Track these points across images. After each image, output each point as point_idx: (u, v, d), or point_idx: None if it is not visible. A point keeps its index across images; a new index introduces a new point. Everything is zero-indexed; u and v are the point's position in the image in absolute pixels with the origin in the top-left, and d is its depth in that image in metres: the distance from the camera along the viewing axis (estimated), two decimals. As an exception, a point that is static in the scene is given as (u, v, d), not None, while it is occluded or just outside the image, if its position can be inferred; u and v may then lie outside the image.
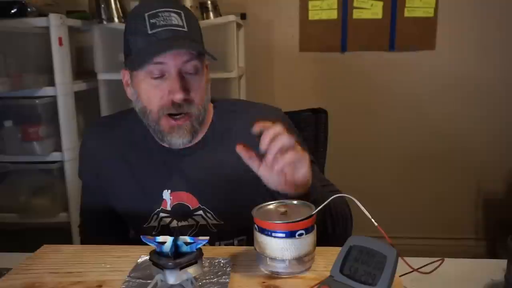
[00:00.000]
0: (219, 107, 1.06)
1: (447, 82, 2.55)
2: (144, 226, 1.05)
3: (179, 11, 0.93)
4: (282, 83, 2.65)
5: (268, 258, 0.72)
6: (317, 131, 1.42)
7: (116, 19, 2.01)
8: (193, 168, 1.01)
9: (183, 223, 1.03)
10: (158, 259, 0.66)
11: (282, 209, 0.74)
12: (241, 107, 1.09)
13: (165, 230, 1.04)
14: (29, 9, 1.74)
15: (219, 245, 1.05)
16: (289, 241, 0.70)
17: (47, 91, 1.80)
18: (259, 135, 0.77)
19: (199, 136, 1.01)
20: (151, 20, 0.90)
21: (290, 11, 2.55)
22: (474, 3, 2.47)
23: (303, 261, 0.72)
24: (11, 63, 1.69)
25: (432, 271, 0.69)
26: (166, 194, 1.02)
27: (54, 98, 1.81)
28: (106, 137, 1.07)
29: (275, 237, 0.70)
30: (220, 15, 2.23)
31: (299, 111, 1.42)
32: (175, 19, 0.91)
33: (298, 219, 0.70)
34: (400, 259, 0.62)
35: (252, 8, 2.55)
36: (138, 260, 0.78)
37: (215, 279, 0.71)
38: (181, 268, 0.65)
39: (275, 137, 0.76)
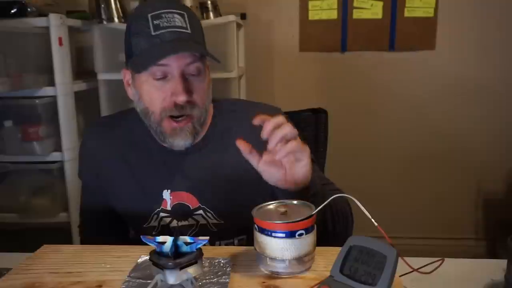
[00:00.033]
0: (219, 107, 1.06)
1: (447, 82, 2.55)
2: (144, 226, 1.05)
3: (182, 12, 0.93)
4: (282, 83, 2.65)
5: (268, 258, 0.72)
6: (317, 131, 1.42)
7: (116, 19, 2.01)
8: (193, 168, 1.01)
9: (183, 222, 1.03)
10: (158, 259, 0.66)
11: (282, 209, 0.74)
12: (241, 107, 1.09)
13: (165, 230, 1.04)
14: (29, 9, 1.74)
15: (220, 244, 1.05)
16: (289, 241, 0.70)
17: (47, 91, 1.80)
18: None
19: (200, 136, 1.01)
20: (154, 21, 0.90)
21: (290, 11, 2.55)
22: (474, 3, 2.47)
23: (303, 261, 0.72)
24: (11, 63, 1.69)
25: (432, 271, 0.69)
26: (166, 194, 1.02)
27: (54, 98, 1.81)
28: (106, 137, 1.07)
29: (275, 237, 0.70)
30: (220, 15, 2.23)
31: (299, 111, 1.42)
32: (178, 20, 0.91)
33: (298, 219, 0.70)
34: (400, 259, 0.62)
35: (252, 8, 2.55)
36: (138, 260, 0.78)
37: (215, 279, 0.71)
38: (181, 268, 0.65)
39: (277, 126, 0.77)
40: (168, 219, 1.03)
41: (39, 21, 1.74)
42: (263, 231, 0.72)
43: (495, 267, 0.88)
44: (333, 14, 2.52)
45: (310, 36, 2.57)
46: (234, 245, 1.05)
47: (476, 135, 2.58)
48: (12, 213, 1.92)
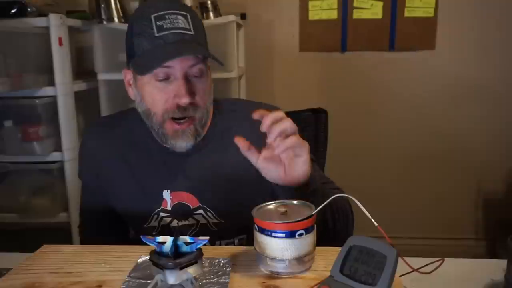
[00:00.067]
0: (219, 107, 1.06)
1: (447, 82, 2.55)
2: (145, 226, 1.05)
3: (185, 13, 0.92)
4: (282, 83, 2.65)
5: (268, 258, 0.72)
6: (317, 131, 1.42)
7: (116, 19, 2.01)
8: (193, 168, 1.01)
9: (184, 222, 1.03)
10: (158, 259, 0.66)
11: (282, 209, 0.74)
12: (241, 107, 1.09)
13: (166, 230, 1.04)
14: (29, 9, 1.74)
15: (220, 244, 1.05)
16: (289, 241, 0.70)
17: (47, 91, 1.80)
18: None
19: (200, 136, 1.01)
20: (157, 23, 0.90)
21: (290, 11, 2.55)
22: (474, 3, 2.47)
23: (303, 261, 0.72)
24: (11, 63, 1.69)
25: (432, 271, 0.69)
26: (166, 194, 1.02)
27: (54, 98, 1.81)
28: (106, 137, 1.07)
29: (275, 237, 0.70)
30: (220, 15, 2.23)
31: (299, 111, 1.42)
32: (181, 22, 0.91)
33: (298, 219, 0.70)
34: (400, 259, 0.62)
35: (252, 8, 2.55)
36: (138, 260, 0.78)
37: (215, 279, 0.71)
38: (181, 268, 0.65)
39: (277, 120, 0.77)
40: (168, 219, 1.03)
41: (39, 21, 1.74)
42: (263, 231, 0.72)
43: (495, 267, 0.88)
44: (333, 14, 2.52)
45: (310, 36, 2.57)
46: (234, 244, 1.05)
47: (476, 135, 2.58)
48: (12, 213, 1.92)
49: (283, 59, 2.62)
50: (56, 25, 1.74)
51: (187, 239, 0.68)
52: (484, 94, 2.54)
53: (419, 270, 0.67)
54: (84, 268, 0.77)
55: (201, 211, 1.02)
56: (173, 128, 0.95)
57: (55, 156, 1.86)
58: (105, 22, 1.99)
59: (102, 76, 1.97)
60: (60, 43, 1.76)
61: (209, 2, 2.21)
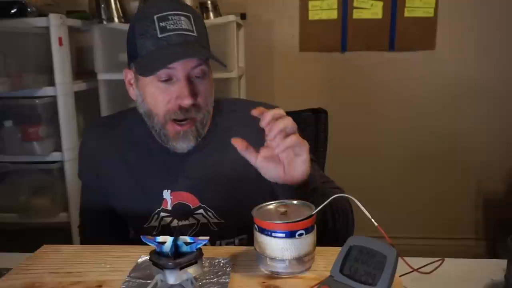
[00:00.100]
0: (219, 106, 1.06)
1: (447, 82, 2.55)
2: (145, 226, 1.05)
3: (188, 14, 0.92)
4: (282, 83, 2.65)
5: (268, 258, 0.72)
6: (317, 131, 1.42)
7: (116, 19, 2.01)
8: (194, 168, 1.01)
9: (184, 222, 1.03)
10: (158, 259, 0.66)
11: (282, 209, 0.74)
12: (241, 106, 1.09)
13: (166, 229, 1.04)
14: (29, 9, 1.74)
15: (220, 244, 1.05)
16: (289, 241, 0.70)
17: (47, 91, 1.80)
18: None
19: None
20: (160, 23, 0.89)
21: (290, 11, 2.55)
22: (474, 3, 2.47)
23: (303, 261, 0.72)
24: (11, 63, 1.69)
25: (432, 271, 0.69)
26: (167, 193, 1.02)
27: (54, 98, 1.81)
28: (106, 137, 1.07)
29: (275, 237, 0.70)
30: (220, 15, 2.23)
31: (299, 111, 1.42)
32: (184, 23, 0.91)
33: (298, 219, 0.70)
34: (400, 259, 0.62)
35: (252, 8, 2.55)
36: (138, 260, 0.78)
37: (215, 279, 0.71)
38: (181, 268, 0.65)
39: (277, 117, 0.76)
40: (169, 219, 1.03)
41: (39, 21, 1.74)
42: (263, 231, 0.72)
43: (495, 267, 0.88)
44: (333, 14, 2.52)
45: (310, 36, 2.57)
46: (235, 244, 1.05)
47: (476, 135, 2.58)
48: (12, 213, 1.92)
49: (283, 59, 2.62)
50: (56, 25, 1.74)
51: (187, 239, 0.68)
52: (484, 94, 2.54)
53: (419, 270, 0.67)
54: (84, 268, 0.77)
55: (201, 210, 1.02)
56: (174, 129, 0.95)
57: (55, 156, 1.87)
58: (105, 22, 1.99)
59: (102, 76, 1.97)
60: (60, 43, 1.76)
61: (209, 2, 2.21)
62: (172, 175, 1.02)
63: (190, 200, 1.02)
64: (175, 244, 0.67)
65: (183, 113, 0.93)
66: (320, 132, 1.42)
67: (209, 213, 1.02)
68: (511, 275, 0.80)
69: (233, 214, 1.01)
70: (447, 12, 2.47)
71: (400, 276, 0.68)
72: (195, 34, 0.91)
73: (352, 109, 2.61)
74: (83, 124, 2.00)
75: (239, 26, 2.22)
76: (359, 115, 2.63)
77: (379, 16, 2.49)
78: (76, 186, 1.76)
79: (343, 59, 2.58)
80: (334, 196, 0.74)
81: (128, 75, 1.00)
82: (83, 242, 1.18)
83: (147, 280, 0.70)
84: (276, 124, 0.76)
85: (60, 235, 1.88)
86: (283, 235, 0.70)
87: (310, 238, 0.72)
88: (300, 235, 0.70)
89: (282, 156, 0.80)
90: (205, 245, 0.68)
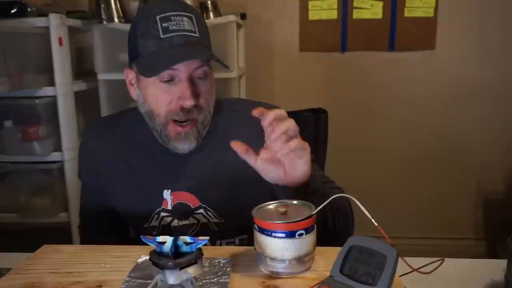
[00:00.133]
0: (220, 106, 1.06)
1: (447, 82, 2.55)
2: (145, 226, 1.05)
3: (191, 15, 0.92)
4: (282, 83, 2.65)
5: (268, 258, 0.72)
6: (317, 131, 1.42)
7: (116, 19, 2.01)
8: (194, 168, 1.01)
9: (184, 222, 1.03)
10: (158, 259, 0.66)
11: (282, 209, 0.74)
12: (241, 106, 1.09)
13: (166, 229, 1.04)
14: (29, 9, 1.74)
15: (220, 243, 1.05)
16: (289, 241, 0.70)
17: (47, 91, 1.80)
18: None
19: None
20: (163, 24, 0.89)
21: (290, 11, 2.55)
22: (474, 3, 2.47)
23: (303, 261, 0.72)
24: (11, 63, 1.69)
25: (432, 271, 0.69)
26: (167, 193, 1.02)
27: (54, 98, 1.81)
28: (106, 137, 1.07)
29: (275, 237, 0.70)
30: (220, 15, 2.23)
31: (299, 111, 1.42)
32: (187, 23, 0.91)
33: (298, 219, 0.70)
34: (400, 259, 0.62)
35: (252, 8, 2.55)
36: (138, 260, 0.78)
37: (215, 279, 0.71)
38: (181, 268, 0.65)
39: (280, 118, 0.76)
40: (169, 219, 1.03)
41: (39, 21, 1.74)
42: (263, 231, 0.72)
43: (495, 267, 0.88)
44: (333, 14, 2.52)
45: (310, 36, 2.57)
46: (235, 244, 1.05)
47: (476, 135, 2.58)
48: (12, 213, 1.92)
49: (283, 59, 2.62)
50: (56, 25, 1.74)
51: (187, 239, 0.68)
52: (484, 94, 2.54)
53: (419, 270, 0.67)
54: (84, 268, 0.77)
55: (201, 210, 1.02)
56: (175, 130, 0.95)
57: (55, 156, 1.87)
58: (105, 22, 1.99)
59: (102, 76, 1.97)
60: (60, 43, 1.76)
61: (209, 2, 2.21)
62: (173, 175, 1.02)
63: (190, 200, 1.02)
64: (175, 244, 0.67)
65: (184, 113, 0.93)
66: (320, 132, 1.42)
67: (209, 213, 1.02)
68: (511, 275, 0.80)
69: (233, 214, 1.01)
70: (447, 12, 2.47)
71: (400, 276, 0.68)
72: (197, 35, 0.91)
73: (352, 109, 2.61)
74: (83, 124, 2.00)
75: (239, 26, 2.22)
76: (359, 115, 2.63)
77: (379, 16, 2.49)
78: (76, 186, 1.76)
79: (343, 59, 2.58)
80: (334, 196, 0.74)
81: (129, 75, 0.99)
82: (83, 242, 1.18)
83: (147, 280, 0.70)
84: (279, 126, 0.76)
85: (60, 235, 1.88)
86: (283, 235, 0.70)
87: (310, 238, 0.72)
88: (300, 235, 0.70)
89: (283, 158, 0.80)
90: (205, 245, 0.68)
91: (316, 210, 0.72)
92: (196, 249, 0.68)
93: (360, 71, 2.58)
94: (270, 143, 0.79)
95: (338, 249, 0.67)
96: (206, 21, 2.16)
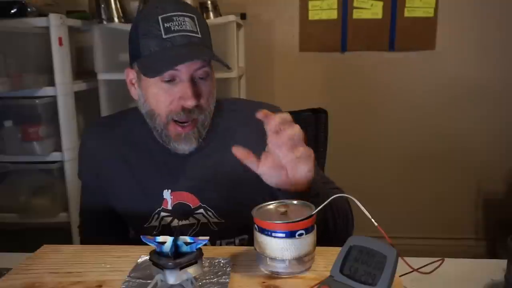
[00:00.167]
0: (220, 106, 1.06)
1: (447, 82, 2.55)
2: (145, 226, 1.05)
3: (192, 15, 0.92)
4: (282, 83, 2.65)
5: (268, 258, 0.72)
6: (317, 131, 1.42)
7: (116, 19, 2.01)
8: (194, 168, 1.01)
9: (184, 222, 1.03)
10: (158, 259, 0.66)
11: (282, 209, 0.74)
12: (241, 106, 1.09)
13: (166, 229, 1.04)
14: (29, 9, 1.74)
15: (221, 243, 1.05)
16: (289, 241, 0.70)
17: (47, 91, 1.80)
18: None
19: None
20: (165, 24, 0.89)
21: (290, 11, 2.55)
22: (474, 3, 2.47)
23: (303, 261, 0.72)
24: (11, 63, 1.69)
25: (432, 271, 0.69)
26: (167, 193, 1.02)
27: (54, 98, 1.81)
28: (106, 137, 1.07)
29: (275, 237, 0.70)
30: (220, 15, 2.23)
31: (299, 111, 1.42)
32: (189, 24, 0.91)
33: (298, 219, 0.70)
34: (400, 259, 0.62)
35: (252, 8, 2.55)
36: (138, 260, 0.78)
37: (215, 279, 0.71)
38: (181, 268, 0.65)
39: (286, 123, 0.75)
40: (169, 219, 1.03)
41: (39, 21, 1.74)
42: (263, 231, 0.71)
43: (495, 267, 0.88)
44: (333, 14, 2.52)
45: (310, 36, 2.57)
46: (235, 244, 1.05)
47: (476, 135, 2.58)
48: (12, 213, 1.92)
49: (283, 59, 2.62)
50: (56, 25, 1.74)
51: (187, 239, 0.68)
52: (484, 94, 2.54)
53: (419, 270, 0.67)
54: (84, 268, 0.77)
55: (201, 210, 1.02)
56: (176, 131, 0.95)
57: (55, 156, 1.87)
58: (105, 22, 1.99)
59: (102, 76, 1.97)
60: (60, 43, 1.76)
61: (209, 2, 2.21)
62: (173, 175, 1.02)
63: (190, 200, 1.02)
64: (175, 244, 0.67)
65: (185, 114, 0.93)
66: (320, 132, 1.42)
67: (209, 212, 1.02)
68: (511, 275, 0.80)
69: (233, 214, 1.01)
70: (447, 12, 2.47)
71: (400, 276, 0.68)
72: (199, 35, 0.92)
73: (352, 109, 2.61)
74: (83, 124, 2.00)
75: (239, 26, 2.22)
76: (359, 115, 2.63)
77: (379, 16, 2.49)
78: (76, 186, 1.76)
79: (343, 59, 2.58)
80: (334, 196, 0.74)
81: (130, 75, 0.99)
82: (83, 242, 1.18)
83: (147, 280, 0.70)
84: (284, 133, 0.75)
85: (60, 235, 1.88)
86: (283, 235, 0.70)
87: (310, 238, 0.72)
88: (300, 235, 0.70)
89: (287, 164, 0.78)
90: (205, 245, 0.68)
91: (316, 210, 0.72)
92: (196, 249, 0.68)
93: (360, 71, 2.58)
94: (273, 148, 0.78)
95: (338, 249, 0.67)
96: (206, 21, 2.17)
